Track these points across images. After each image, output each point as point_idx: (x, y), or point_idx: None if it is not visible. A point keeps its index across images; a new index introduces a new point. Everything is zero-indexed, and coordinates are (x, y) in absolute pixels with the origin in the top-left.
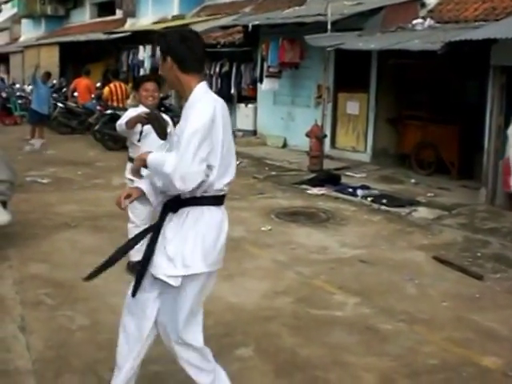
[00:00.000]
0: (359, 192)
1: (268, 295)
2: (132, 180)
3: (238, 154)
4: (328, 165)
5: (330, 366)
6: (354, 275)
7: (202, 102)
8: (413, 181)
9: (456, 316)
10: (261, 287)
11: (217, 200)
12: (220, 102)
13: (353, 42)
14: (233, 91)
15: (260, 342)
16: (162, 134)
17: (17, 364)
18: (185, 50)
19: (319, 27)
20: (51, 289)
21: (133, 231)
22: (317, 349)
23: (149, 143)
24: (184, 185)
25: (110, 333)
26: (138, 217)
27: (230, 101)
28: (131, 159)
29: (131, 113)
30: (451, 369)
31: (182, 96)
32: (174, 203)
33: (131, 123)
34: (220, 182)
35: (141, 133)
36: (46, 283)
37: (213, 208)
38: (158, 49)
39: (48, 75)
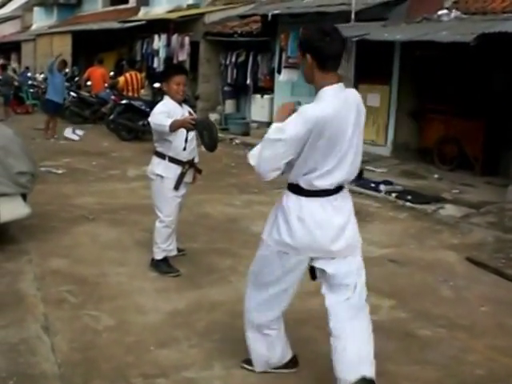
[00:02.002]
0: (382, 187)
1: (299, 296)
2: (161, 176)
3: (254, 146)
4: None
5: None
6: (385, 276)
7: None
8: (436, 176)
9: (497, 322)
10: None
11: None
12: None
13: (378, 32)
14: (248, 82)
15: (296, 346)
16: (211, 146)
17: (43, 367)
18: (324, 47)
19: (340, 17)
20: (74, 286)
21: (161, 231)
22: None
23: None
24: None
25: (138, 334)
26: (169, 216)
27: (246, 91)
28: (160, 154)
29: (163, 107)
30: (500, 380)
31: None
32: None
33: (175, 127)
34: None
35: (186, 140)
36: (68, 279)
37: None
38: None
39: (64, 63)
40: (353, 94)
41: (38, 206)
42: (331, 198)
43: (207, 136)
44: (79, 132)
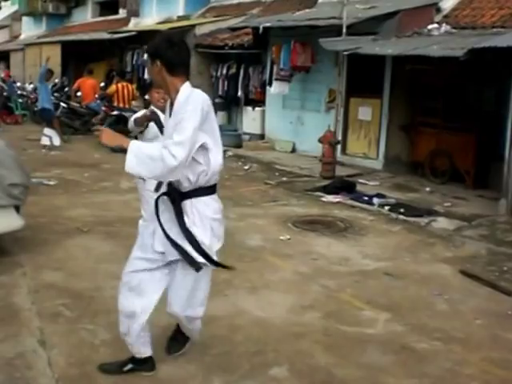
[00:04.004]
0: (375, 200)
1: (295, 310)
2: (143, 178)
3: (247, 158)
4: (340, 171)
5: None
6: (380, 289)
7: (194, 94)
8: (427, 189)
9: (491, 335)
10: (287, 301)
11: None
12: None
13: (369, 46)
14: (240, 94)
15: (293, 360)
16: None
17: (40, 383)
18: (172, 55)
19: (331, 30)
20: (69, 299)
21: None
22: (353, 369)
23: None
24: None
25: None
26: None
27: (237, 103)
28: None
29: (139, 113)
30: None
31: (169, 96)
32: None
33: (139, 120)
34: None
35: (147, 126)
36: (63, 293)
37: None
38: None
39: (51, 73)
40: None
41: (31, 217)
42: None
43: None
44: (48, 132)
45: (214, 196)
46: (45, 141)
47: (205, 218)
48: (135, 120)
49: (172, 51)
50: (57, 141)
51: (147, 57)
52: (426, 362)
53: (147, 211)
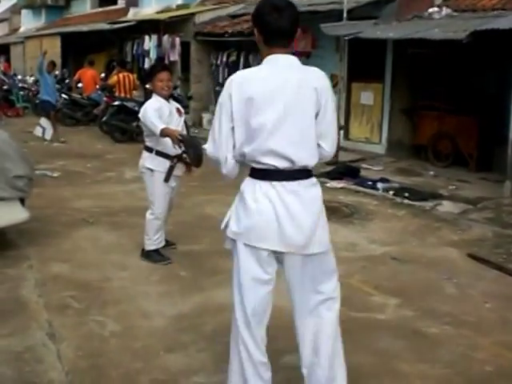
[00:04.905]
0: (380, 185)
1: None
2: (151, 169)
3: None
4: (342, 157)
5: (383, 374)
6: (388, 274)
7: None
8: (431, 173)
9: (501, 318)
10: None
11: None
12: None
13: (370, 30)
14: None
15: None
16: (196, 162)
17: (50, 376)
18: (270, 22)
19: (332, 15)
20: (76, 291)
21: (152, 222)
22: (365, 355)
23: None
24: None
25: (145, 339)
26: (159, 209)
27: None
28: (148, 148)
29: (155, 103)
30: (509, 376)
31: None
32: None
33: (164, 134)
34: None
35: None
36: (71, 285)
37: None
38: None
39: (53, 65)
40: (310, 71)
41: (37, 209)
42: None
43: (192, 153)
44: (44, 124)
45: None
46: (37, 131)
47: None
48: (162, 131)
49: (271, 17)
50: (48, 135)
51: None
52: (438, 346)
53: None
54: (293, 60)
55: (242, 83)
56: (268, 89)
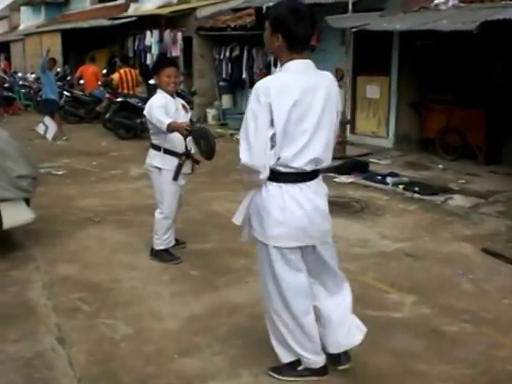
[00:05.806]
0: (389, 180)
1: None
2: (159, 168)
3: None
4: (350, 151)
5: (403, 376)
6: (403, 271)
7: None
8: (440, 167)
9: None
10: None
11: None
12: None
13: (376, 22)
14: (244, 76)
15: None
16: (208, 155)
17: (62, 383)
18: (297, 31)
19: (336, 8)
20: (85, 293)
21: (161, 222)
22: (384, 356)
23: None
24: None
25: (157, 343)
26: (168, 208)
27: (242, 86)
28: (156, 147)
29: (160, 100)
30: None
31: None
32: None
33: (171, 129)
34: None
35: (186, 147)
36: (79, 286)
37: None
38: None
39: (54, 62)
40: (324, 75)
41: (42, 208)
42: (309, 183)
43: (204, 144)
44: (48, 122)
45: None
46: (40, 129)
47: None
48: (169, 125)
49: (297, 26)
50: (50, 134)
51: (266, 24)
52: (458, 345)
53: None
54: (312, 64)
55: (280, 91)
56: (307, 95)
